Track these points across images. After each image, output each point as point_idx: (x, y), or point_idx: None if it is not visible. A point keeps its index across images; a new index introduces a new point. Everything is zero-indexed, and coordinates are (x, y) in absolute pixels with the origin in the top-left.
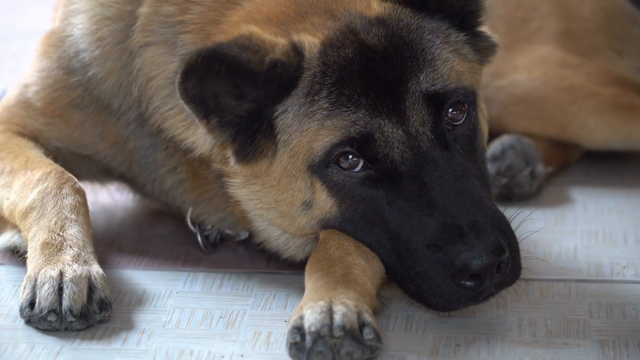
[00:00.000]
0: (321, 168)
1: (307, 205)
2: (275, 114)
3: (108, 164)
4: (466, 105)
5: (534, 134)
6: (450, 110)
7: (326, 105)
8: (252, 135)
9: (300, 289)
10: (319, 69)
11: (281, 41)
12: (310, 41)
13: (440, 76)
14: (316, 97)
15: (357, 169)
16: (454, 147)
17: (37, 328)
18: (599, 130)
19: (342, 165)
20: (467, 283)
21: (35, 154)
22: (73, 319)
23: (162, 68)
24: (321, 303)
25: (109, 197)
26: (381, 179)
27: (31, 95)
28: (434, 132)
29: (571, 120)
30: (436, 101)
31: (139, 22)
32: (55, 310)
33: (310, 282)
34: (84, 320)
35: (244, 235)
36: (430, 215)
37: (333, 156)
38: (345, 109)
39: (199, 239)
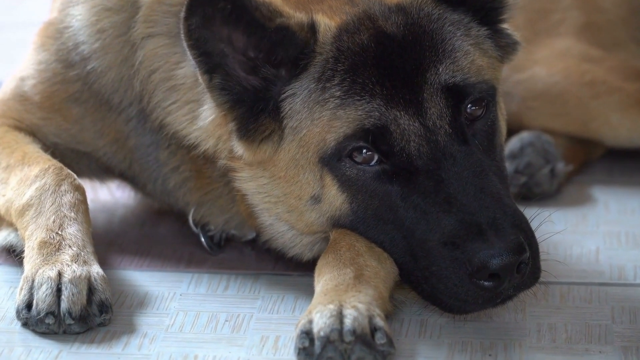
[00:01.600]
0: (333, 161)
1: (316, 199)
2: (283, 96)
3: (108, 162)
4: (486, 101)
5: (554, 131)
6: (469, 105)
7: (338, 93)
8: (255, 113)
9: (310, 292)
10: (332, 54)
11: (299, 15)
12: (326, 23)
13: (460, 69)
14: (328, 84)
15: (371, 163)
16: (472, 142)
17: (35, 331)
18: (622, 126)
19: (356, 159)
20: (485, 283)
21: (32, 149)
22: (72, 322)
23: (164, 60)
24: (331, 307)
25: (109, 195)
26: (396, 173)
27: (28, 88)
28: (452, 126)
29: (593, 116)
30: (455, 94)
31: (142, 13)
32: (54, 312)
33: (319, 284)
34: (84, 323)
35: (250, 235)
36: (447, 212)
37: (346, 150)
38: (358, 98)
39: (202, 240)
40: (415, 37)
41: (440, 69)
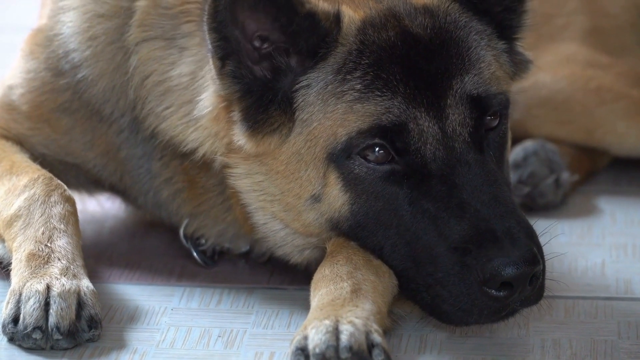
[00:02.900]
0: (342, 158)
1: (316, 199)
2: (297, 86)
3: (98, 174)
4: (500, 113)
5: (558, 139)
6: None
7: (359, 86)
8: (265, 104)
9: (305, 306)
10: (355, 47)
11: (324, 3)
12: (351, 15)
13: (484, 80)
14: (348, 77)
15: (383, 163)
16: (487, 152)
17: (21, 346)
18: (630, 135)
19: (367, 157)
20: (495, 293)
21: (21, 158)
22: (60, 337)
23: (158, 62)
24: (327, 322)
25: (98, 206)
26: (407, 175)
27: (16, 97)
28: (471, 135)
29: (599, 124)
30: (479, 105)
31: (136, 17)
32: (41, 327)
33: (315, 299)
34: (72, 338)
35: (244, 247)
36: (460, 217)
37: (358, 147)
38: (379, 94)
39: (194, 254)
40: (442, 41)
41: (466, 79)
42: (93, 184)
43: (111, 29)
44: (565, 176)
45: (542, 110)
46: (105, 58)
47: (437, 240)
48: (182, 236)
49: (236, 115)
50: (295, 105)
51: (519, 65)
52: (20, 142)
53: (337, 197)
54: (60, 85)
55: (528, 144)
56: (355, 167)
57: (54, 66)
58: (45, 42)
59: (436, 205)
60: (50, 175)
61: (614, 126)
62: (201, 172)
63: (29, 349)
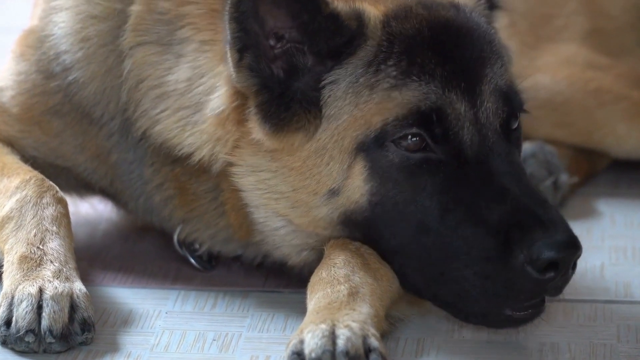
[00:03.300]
0: (374, 146)
1: (334, 193)
2: (323, 83)
3: (88, 178)
4: (520, 113)
5: (557, 141)
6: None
7: (394, 73)
8: (287, 102)
9: (301, 310)
10: (384, 38)
11: (342, 3)
12: (372, 11)
13: (509, 76)
14: (382, 66)
15: (417, 150)
16: (514, 148)
17: (13, 350)
18: (630, 137)
19: (402, 144)
20: (537, 275)
21: (12, 159)
22: (53, 340)
23: (154, 67)
24: (323, 326)
25: (91, 208)
26: (442, 163)
27: (6, 100)
28: (502, 127)
29: (599, 126)
30: (508, 99)
31: (131, 22)
32: (34, 330)
33: (312, 302)
34: (65, 341)
35: (239, 251)
36: (500, 202)
37: (395, 134)
38: (416, 79)
39: (191, 260)
40: (470, 30)
41: (495, 69)
42: (84, 187)
43: (104, 31)
44: (564, 178)
45: (541, 111)
46: (98, 60)
47: (475, 227)
48: (176, 243)
49: (252, 110)
50: (322, 102)
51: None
52: (11, 144)
53: (357, 188)
54: (51, 88)
55: (526, 146)
56: (388, 154)
57: (44, 68)
58: (36, 43)
59: (473, 192)
60: (42, 176)
61: (613, 128)
62: (192, 179)
63: (22, 353)
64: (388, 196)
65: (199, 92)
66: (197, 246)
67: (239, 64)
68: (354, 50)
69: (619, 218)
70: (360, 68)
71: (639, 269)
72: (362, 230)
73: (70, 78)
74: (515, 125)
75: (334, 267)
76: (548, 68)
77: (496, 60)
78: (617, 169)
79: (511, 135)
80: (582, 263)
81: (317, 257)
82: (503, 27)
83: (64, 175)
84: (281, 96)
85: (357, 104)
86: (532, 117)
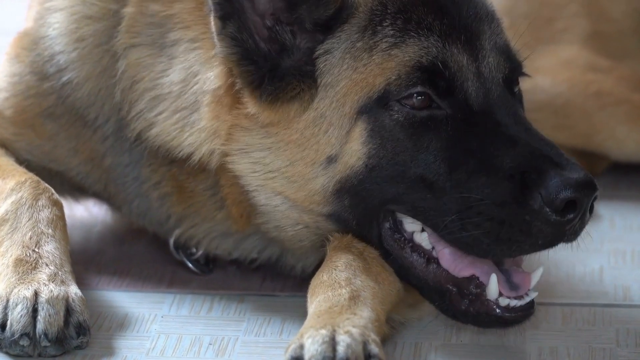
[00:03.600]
0: (377, 107)
1: (331, 160)
2: (316, 54)
3: (81, 182)
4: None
5: (557, 144)
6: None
7: (392, 32)
8: (280, 75)
9: (298, 313)
10: (377, 2)
11: None
12: None
13: (506, 37)
14: (379, 27)
15: (422, 107)
16: (518, 102)
17: (8, 354)
18: (630, 140)
19: (407, 103)
20: (555, 217)
21: (6, 161)
22: (48, 344)
23: (149, 69)
24: (323, 332)
25: (85, 211)
26: (448, 118)
27: (0, 102)
28: (504, 81)
29: (599, 128)
30: (509, 56)
31: (124, 23)
32: (29, 334)
33: (313, 305)
34: (60, 345)
35: (235, 253)
36: (512, 148)
37: (400, 95)
38: (415, 34)
39: (189, 264)
40: None
41: (493, 27)
42: (78, 191)
43: (99, 31)
44: None
45: (540, 114)
46: (92, 60)
47: (488, 175)
48: (172, 247)
49: (239, 82)
50: (317, 72)
51: None
52: (5, 147)
53: (355, 152)
54: (44, 90)
55: None
56: (393, 114)
57: (39, 70)
58: (31, 45)
59: (482, 143)
60: (38, 178)
61: (613, 131)
62: (190, 177)
63: (16, 356)
64: (387, 157)
65: (194, 91)
66: (193, 250)
67: (222, 32)
68: (345, 19)
69: (618, 221)
70: (356, 34)
71: (638, 273)
72: (352, 196)
73: (64, 79)
74: (516, 89)
75: (335, 270)
76: (548, 70)
77: (492, 19)
78: (617, 172)
79: (514, 93)
80: (580, 266)
81: (311, 246)
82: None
83: (57, 179)
84: (273, 70)
85: (356, 68)
86: (532, 120)
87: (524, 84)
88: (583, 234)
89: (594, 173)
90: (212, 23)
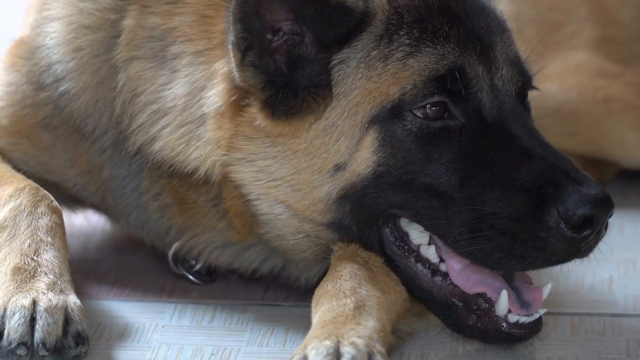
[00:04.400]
0: (390, 117)
1: (339, 168)
2: (332, 64)
3: (78, 194)
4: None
5: (566, 151)
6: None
7: (408, 41)
8: (294, 90)
9: (302, 323)
10: (393, 11)
11: None
12: None
13: (517, 48)
14: (395, 36)
15: (436, 118)
16: (530, 116)
17: None
18: (639, 146)
19: (421, 113)
20: (571, 234)
21: (4, 168)
22: (46, 354)
23: (150, 82)
24: (327, 343)
25: (84, 220)
26: (462, 129)
27: None
28: (517, 94)
29: (608, 135)
30: (521, 69)
31: (124, 36)
32: (26, 343)
33: (317, 315)
34: (58, 355)
35: (236, 263)
36: (528, 162)
37: (416, 104)
38: (430, 44)
39: (190, 277)
40: (477, 2)
41: (504, 38)
42: (74, 202)
43: (97, 42)
44: None
45: (549, 120)
46: (90, 71)
47: (503, 188)
48: (171, 261)
49: (258, 105)
50: (332, 82)
51: None
52: (1, 155)
53: (364, 160)
54: (41, 100)
55: None
56: (406, 124)
57: (35, 80)
58: (27, 54)
59: (496, 155)
60: (37, 185)
61: (623, 137)
62: (190, 190)
63: None
64: (396, 166)
65: (200, 105)
66: (192, 262)
67: (242, 62)
68: (363, 28)
69: (628, 229)
70: (372, 42)
71: None
72: (353, 201)
73: (61, 89)
74: (526, 101)
75: (340, 279)
76: (556, 76)
77: (504, 30)
78: (626, 179)
79: (525, 105)
80: (590, 276)
81: (314, 257)
82: None
83: (53, 190)
84: (286, 85)
85: (370, 77)
86: (540, 126)
87: (532, 91)
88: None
89: (603, 180)
90: (232, 55)
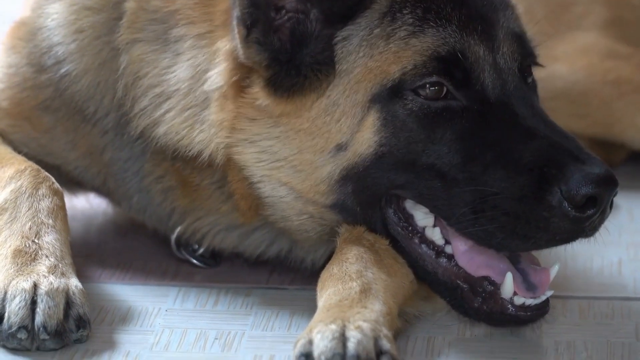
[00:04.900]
0: (390, 96)
1: (341, 148)
2: (335, 40)
3: (79, 176)
4: (532, 66)
5: (575, 133)
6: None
7: (411, 20)
8: (297, 66)
9: (307, 307)
10: None
11: None
12: None
13: (521, 24)
14: (398, 15)
15: (437, 98)
16: (533, 93)
17: (5, 347)
18: None
19: (420, 93)
20: (575, 213)
21: (5, 149)
22: (47, 337)
23: (152, 65)
24: (333, 327)
25: (86, 202)
26: (464, 109)
27: None
28: (520, 70)
29: (618, 117)
30: (523, 44)
31: (126, 19)
32: (27, 326)
33: (322, 299)
34: (59, 339)
35: (242, 248)
36: (531, 141)
37: (415, 84)
38: (434, 25)
39: (193, 261)
40: None
41: (507, 14)
42: (75, 185)
43: (99, 23)
44: None
45: (557, 102)
46: (91, 52)
47: (505, 168)
48: (174, 246)
49: (261, 83)
50: (335, 59)
51: None
52: (2, 137)
53: (366, 140)
54: (41, 82)
55: None
56: (407, 103)
57: (36, 61)
58: (28, 36)
59: (499, 134)
60: (38, 167)
61: (633, 119)
62: (194, 172)
63: (14, 350)
64: (398, 146)
65: (204, 88)
66: (195, 246)
67: (246, 39)
68: (368, 5)
69: (637, 212)
70: (375, 20)
71: None
72: (355, 182)
73: (62, 71)
74: (530, 79)
75: (345, 262)
76: (565, 57)
77: (506, 6)
78: (636, 162)
79: (528, 83)
80: (598, 259)
81: (318, 237)
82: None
83: (54, 173)
84: (289, 62)
85: (372, 55)
86: (549, 108)
87: (540, 72)
88: (601, 227)
89: (613, 163)
90: (236, 32)
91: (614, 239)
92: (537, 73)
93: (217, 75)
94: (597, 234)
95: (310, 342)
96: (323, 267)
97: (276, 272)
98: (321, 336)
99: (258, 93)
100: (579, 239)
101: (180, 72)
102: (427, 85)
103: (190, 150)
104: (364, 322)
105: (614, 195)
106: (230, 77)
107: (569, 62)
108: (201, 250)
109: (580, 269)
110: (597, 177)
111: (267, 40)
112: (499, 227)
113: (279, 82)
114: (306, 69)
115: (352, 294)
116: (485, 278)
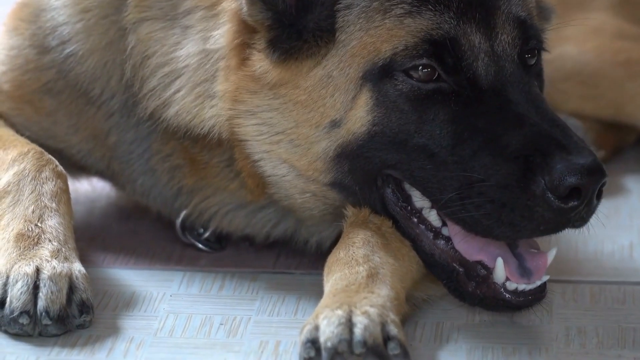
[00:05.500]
0: (381, 76)
1: (335, 124)
2: (338, 7)
3: (82, 160)
4: (538, 49)
5: (584, 115)
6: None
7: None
8: (299, 31)
9: (314, 292)
10: None
11: None
12: None
13: (527, 7)
14: None
15: (428, 81)
16: (532, 78)
17: (7, 332)
18: None
19: (412, 74)
20: (558, 203)
21: (7, 131)
22: (49, 322)
23: (160, 43)
24: (339, 312)
25: (89, 186)
26: (455, 94)
27: None
28: (519, 57)
29: (629, 99)
30: (525, 30)
31: None
32: (29, 311)
33: (329, 283)
34: (61, 324)
35: (248, 229)
36: (519, 128)
37: (405, 65)
38: (432, 8)
39: (199, 245)
40: None
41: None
42: (78, 169)
43: (105, 2)
44: None
45: (567, 84)
46: (98, 32)
47: (492, 154)
48: (179, 229)
49: (262, 45)
50: (336, 27)
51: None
52: (4, 119)
53: (359, 119)
54: (44, 64)
55: None
56: (397, 84)
57: (39, 43)
58: (31, 17)
59: (489, 120)
60: (41, 149)
61: None
62: (203, 151)
63: (16, 336)
64: (390, 126)
65: (214, 61)
66: (201, 230)
67: None
68: None
69: None
70: None
71: None
72: (351, 160)
73: (67, 51)
74: (533, 62)
75: (352, 246)
76: (575, 38)
77: None
78: None
79: (530, 67)
80: (609, 243)
81: (321, 216)
82: None
83: (56, 157)
84: (292, 26)
85: (368, 30)
86: (559, 91)
87: (550, 53)
88: (600, 216)
89: (623, 145)
90: None
91: (625, 223)
92: (547, 55)
93: (220, 36)
94: (607, 219)
95: (316, 328)
96: (329, 250)
97: (282, 256)
98: (327, 322)
99: (258, 59)
100: (566, 229)
101: (189, 47)
102: (419, 68)
103: (202, 129)
104: (371, 308)
105: (602, 186)
106: (233, 38)
107: (579, 43)
108: (207, 234)
109: (592, 253)
110: (581, 168)
111: (272, 0)
112: (484, 215)
113: (279, 44)
114: (307, 34)
115: (358, 278)
116: (479, 262)
